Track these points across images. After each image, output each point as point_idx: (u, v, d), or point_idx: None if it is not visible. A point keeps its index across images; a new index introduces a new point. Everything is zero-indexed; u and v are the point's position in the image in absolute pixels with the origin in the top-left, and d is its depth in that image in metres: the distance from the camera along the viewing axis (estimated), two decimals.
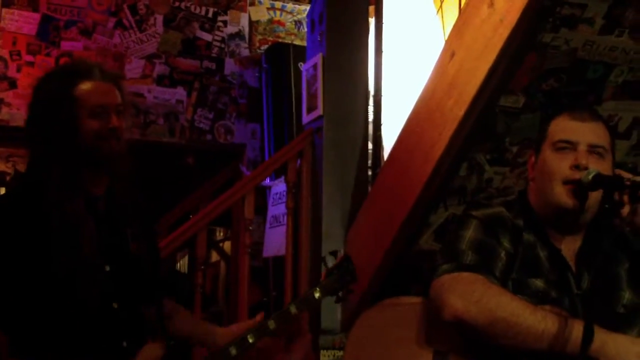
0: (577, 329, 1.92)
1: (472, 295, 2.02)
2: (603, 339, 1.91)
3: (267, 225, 5.84)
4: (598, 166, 2.09)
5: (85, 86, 2.28)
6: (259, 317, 2.49)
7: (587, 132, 2.14)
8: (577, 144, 2.12)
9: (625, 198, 1.98)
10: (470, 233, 2.19)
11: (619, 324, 2.09)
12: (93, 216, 2.27)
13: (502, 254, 2.14)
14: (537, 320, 1.95)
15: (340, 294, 2.54)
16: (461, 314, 2.01)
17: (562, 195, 2.10)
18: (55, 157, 2.23)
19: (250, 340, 2.37)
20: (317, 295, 2.47)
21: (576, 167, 2.09)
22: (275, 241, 5.55)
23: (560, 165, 2.12)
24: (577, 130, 2.15)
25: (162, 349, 2.23)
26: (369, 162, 4.67)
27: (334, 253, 2.61)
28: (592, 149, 2.12)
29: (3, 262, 2.15)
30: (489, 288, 2.03)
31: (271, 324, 2.41)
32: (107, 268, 2.26)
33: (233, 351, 2.35)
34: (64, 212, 2.18)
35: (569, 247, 2.18)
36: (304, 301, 2.48)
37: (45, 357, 2.14)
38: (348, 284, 2.53)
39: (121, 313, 2.26)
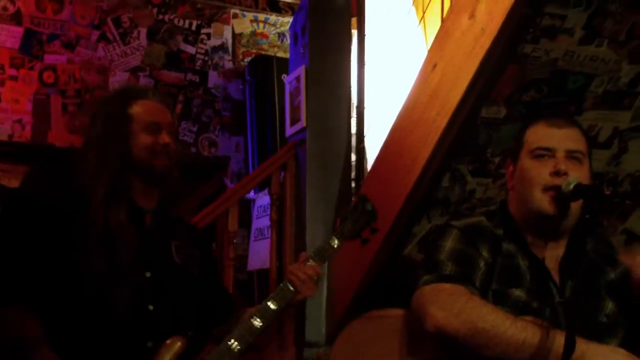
0: (558, 339, 1.91)
1: (453, 306, 2.01)
2: (583, 348, 1.91)
3: (252, 238, 5.83)
4: (577, 171, 2.09)
5: (140, 105, 2.43)
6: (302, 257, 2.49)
7: (564, 138, 2.15)
8: (555, 150, 2.13)
9: None
10: (449, 243, 2.19)
11: (602, 333, 2.09)
12: (137, 226, 2.36)
13: (482, 264, 2.14)
14: (518, 331, 1.94)
15: (363, 236, 2.50)
16: (442, 325, 2.00)
17: (543, 202, 2.10)
18: (107, 168, 2.34)
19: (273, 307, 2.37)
20: (334, 243, 2.45)
21: (556, 173, 2.09)
22: (260, 254, 5.54)
23: (540, 172, 2.12)
24: (554, 136, 2.15)
25: (182, 342, 2.25)
26: (353, 173, 4.67)
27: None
28: (570, 154, 2.13)
29: (45, 254, 2.25)
30: (469, 299, 2.03)
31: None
32: (148, 274, 2.34)
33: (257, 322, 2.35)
34: (106, 218, 2.28)
35: (552, 254, 2.17)
36: (321, 252, 2.45)
37: (69, 347, 2.21)
38: (369, 224, 2.51)
39: (155, 315, 2.32)
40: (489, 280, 2.12)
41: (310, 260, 2.42)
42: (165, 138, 2.40)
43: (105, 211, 2.28)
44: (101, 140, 2.38)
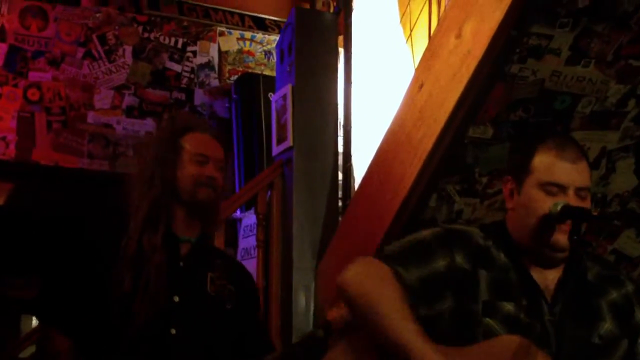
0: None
1: (365, 277, 2.07)
2: None
3: (238, 257, 5.79)
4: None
5: (192, 135, 2.50)
6: None
7: (576, 175, 2.10)
8: (566, 188, 2.09)
9: None
10: (425, 233, 2.19)
11: (593, 354, 2.07)
12: (172, 253, 2.40)
13: (441, 264, 2.11)
14: (401, 333, 1.95)
15: None
16: (344, 283, 2.08)
17: (557, 236, 2.08)
18: (150, 192, 2.41)
19: None
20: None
21: None
22: None
23: (549, 207, 2.09)
24: (566, 172, 2.10)
25: None
26: (340, 193, 4.66)
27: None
28: (579, 192, 2.10)
29: (77, 275, 2.33)
30: (384, 281, 2.04)
31: None
32: (176, 299, 2.37)
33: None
34: (140, 241, 2.34)
35: (548, 276, 2.15)
36: None
37: None
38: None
39: (178, 339, 2.34)
40: (450, 287, 2.10)
41: None
42: (212, 171, 2.45)
43: (141, 234, 2.35)
44: (150, 165, 2.44)
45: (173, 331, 2.33)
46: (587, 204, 2.10)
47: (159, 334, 2.31)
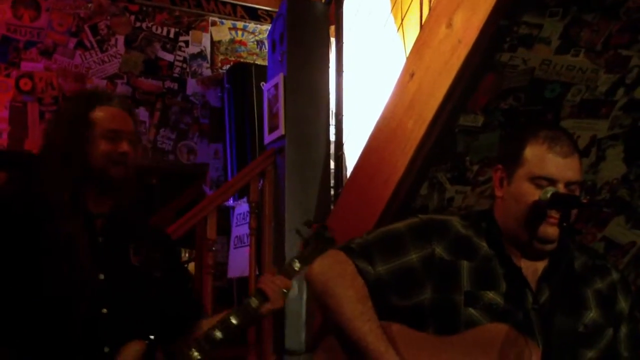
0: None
1: (328, 270, 2.14)
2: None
3: (232, 246, 5.81)
4: None
5: (102, 111, 2.39)
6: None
7: (567, 170, 2.11)
8: (557, 182, 2.10)
9: None
10: (399, 225, 2.22)
11: (577, 343, 2.08)
12: (90, 232, 2.33)
13: (414, 257, 2.14)
14: (359, 328, 2.05)
15: None
16: (308, 276, 2.18)
17: (545, 228, 2.09)
18: (68, 173, 2.31)
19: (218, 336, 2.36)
20: (296, 266, 2.49)
21: None
22: (240, 262, 5.52)
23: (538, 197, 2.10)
24: (557, 167, 2.10)
25: (140, 346, 2.24)
26: (332, 181, 4.67)
27: (308, 223, 2.63)
28: (569, 185, 2.11)
29: (8, 260, 2.24)
30: (345, 274, 2.12)
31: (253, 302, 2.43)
32: (102, 276, 2.30)
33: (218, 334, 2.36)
34: (61, 228, 2.26)
35: (531, 266, 2.16)
36: (285, 271, 2.49)
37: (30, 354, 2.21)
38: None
39: (110, 318, 2.28)
40: (446, 278, 2.12)
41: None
42: (124, 147, 2.37)
43: (60, 220, 2.27)
44: (62, 144, 2.35)
45: (104, 310, 2.27)
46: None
47: (91, 317, 2.24)
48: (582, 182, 2.18)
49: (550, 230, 2.05)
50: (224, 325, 2.35)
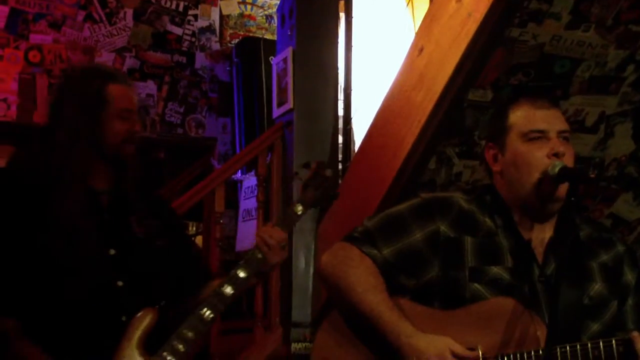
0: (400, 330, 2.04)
1: (335, 260, 2.21)
2: (409, 333, 2.03)
3: (240, 219, 5.83)
4: (569, 151, 2.09)
5: (116, 89, 2.40)
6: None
7: (554, 119, 2.13)
8: (548, 132, 2.11)
9: None
10: (401, 207, 2.25)
11: (583, 315, 2.09)
12: (95, 208, 2.36)
13: (418, 236, 2.17)
14: (371, 308, 2.08)
15: (324, 204, 2.58)
16: (317, 268, 2.31)
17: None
18: (78, 150, 2.32)
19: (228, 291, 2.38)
20: (298, 209, 2.48)
21: (555, 155, 2.08)
22: (248, 235, 5.55)
23: (537, 155, 2.09)
24: (544, 118, 2.13)
25: (153, 313, 2.28)
26: (340, 155, 4.68)
27: (306, 165, 2.60)
28: (562, 135, 2.12)
29: (18, 237, 2.25)
30: (351, 260, 2.17)
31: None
32: (112, 252, 2.35)
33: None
34: (68, 207, 2.27)
35: (538, 236, 2.16)
36: (286, 219, 2.48)
37: (46, 334, 2.22)
38: (329, 192, 2.55)
39: (125, 290, 2.32)
40: (451, 255, 2.14)
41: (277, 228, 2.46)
42: (137, 126, 2.42)
43: (69, 196, 2.28)
44: (73, 120, 2.35)
45: (120, 283, 2.32)
46: (570, 148, 2.13)
47: (107, 290, 2.29)
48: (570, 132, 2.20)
49: (561, 188, 2.06)
50: (233, 279, 2.36)
